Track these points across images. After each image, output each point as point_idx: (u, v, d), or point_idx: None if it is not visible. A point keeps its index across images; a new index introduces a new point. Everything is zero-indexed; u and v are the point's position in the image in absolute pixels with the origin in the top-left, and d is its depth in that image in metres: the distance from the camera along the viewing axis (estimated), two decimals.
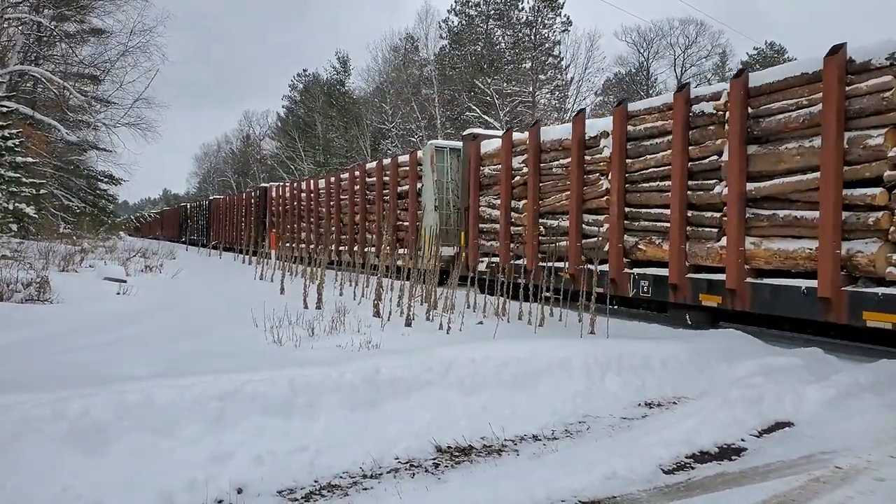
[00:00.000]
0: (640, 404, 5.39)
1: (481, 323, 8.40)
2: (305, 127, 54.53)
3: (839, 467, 3.91)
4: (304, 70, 62.89)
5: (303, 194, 22.96)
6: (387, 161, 17.23)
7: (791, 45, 52.54)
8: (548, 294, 9.94)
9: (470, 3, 45.31)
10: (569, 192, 10.54)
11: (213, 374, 4.20)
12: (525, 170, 11.59)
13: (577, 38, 55.67)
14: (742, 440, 4.47)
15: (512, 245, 11.94)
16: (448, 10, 45.96)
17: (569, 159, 10.56)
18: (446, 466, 3.92)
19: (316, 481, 3.62)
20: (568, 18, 43.66)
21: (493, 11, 44.71)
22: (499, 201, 12.36)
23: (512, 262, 11.64)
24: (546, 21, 43.72)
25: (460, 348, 5.45)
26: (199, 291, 11.48)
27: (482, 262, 12.61)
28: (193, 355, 5.54)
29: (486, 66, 40.17)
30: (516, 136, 12.11)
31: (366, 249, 17.06)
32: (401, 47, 47.88)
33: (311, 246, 20.92)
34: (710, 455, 4.19)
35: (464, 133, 14.43)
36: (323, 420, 4.12)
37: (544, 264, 10.44)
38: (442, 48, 45.91)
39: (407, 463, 3.94)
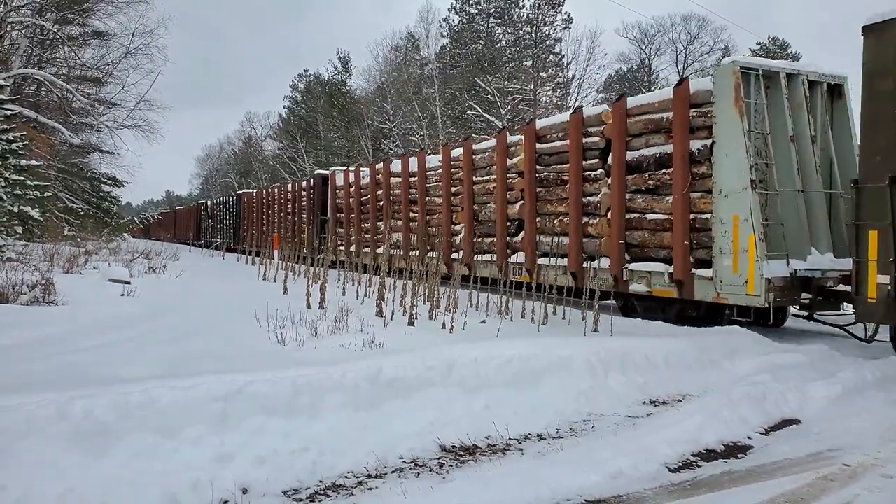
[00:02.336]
0: (644, 402, 5.37)
1: (484, 322, 8.38)
2: (307, 127, 54.53)
3: (847, 465, 3.89)
4: (305, 70, 62.97)
5: (395, 179, 16.79)
6: (594, 110, 10.65)
7: (794, 40, 52.37)
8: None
9: (470, 2, 45.26)
10: None
11: (216, 374, 4.19)
12: None
13: (578, 35, 55.77)
14: (748, 438, 4.45)
15: None
16: (449, 9, 45.92)
17: None
18: (451, 466, 3.90)
19: (320, 481, 3.61)
20: (569, 16, 43.59)
21: (493, 9, 44.66)
22: None
23: None
24: (547, 18, 43.65)
25: (463, 347, 5.44)
26: (202, 292, 11.48)
27: None
28: (196, 356, 5.54)
29: (486, 65, 40.11)
30: None
31: (540, 261, 11.30)
32: (402, 46, 47.89)
33: (414, 252, 14.91)
34: (717, 453, 4.17)
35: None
36: (326, 420, 4.11)
37: None
38: (443, 47, 45.89)
39: (411, 462, 3.93)
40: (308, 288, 9.37)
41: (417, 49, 47.08)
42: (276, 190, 28.02)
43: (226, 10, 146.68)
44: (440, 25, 45.63)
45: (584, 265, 10.41)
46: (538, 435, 4.49)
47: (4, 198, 14.32)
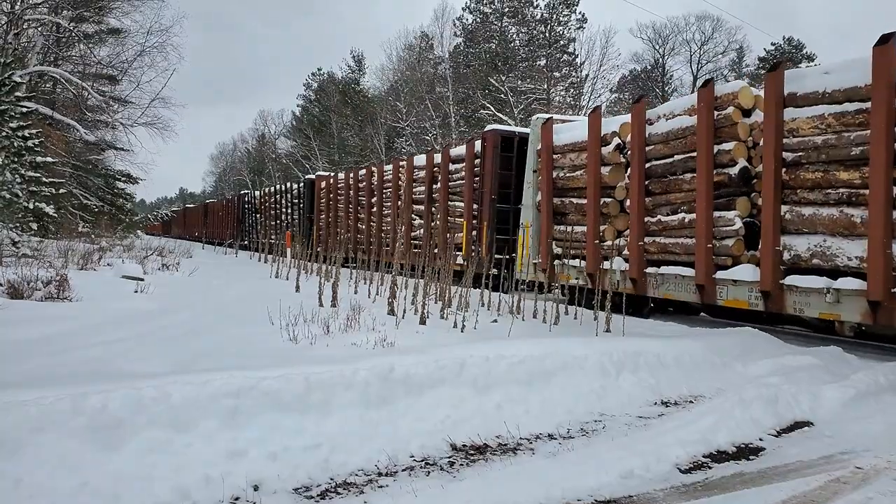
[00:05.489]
0: (655, 403, 5.36)
1: (496, 321, 8.38)
2: (320, 126, 54.75)
3: (859, 467, 3.86)
4: (319, 69, 63.16)
5: (806, 113, 7.46)
6: None
7: (810, 41, 51.93)
8: None
9: (484, 1, 45.26)
10: None
11: (228, 371, 4.22)
12: None
13: (591, 34, 55.41)
14: (760, 440, 4.42)
15: None
16: (463, 8, 45.99)
17: None
18: (462, 465, 3.91)
19: (331, 479, 3.62)
20: (583, 15, 43.55)
21: (507, 9, 44.64)
22: None
23: None
24: (561, 18, 43.60)
25: (474, 347, 5.44)
26: (215, 289, 11.55)
27: None
28: (210, 352, 5.58)
29: (500, 64, 40.10)
30: None
31: None
32: (415, 45, 47.95)
33: None
34: (728, 454, 4.15)
35: None
36: (337, 418, 4.13)
37: None
38: (456, 46, 45.92)
39: (422, 461, 3.93)
40: (320, 286, 9.40)
41: (431, 48, 47.14)
42: (384, 169, 19.03)
43: (238, 7, 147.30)
44: (454, 24, 45.68)
45: None
46: (549, 435, 4.49)
47: (20, 194, 14.47)
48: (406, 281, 9.90)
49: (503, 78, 37.87)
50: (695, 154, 8.76)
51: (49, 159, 18.23)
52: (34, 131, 16.80)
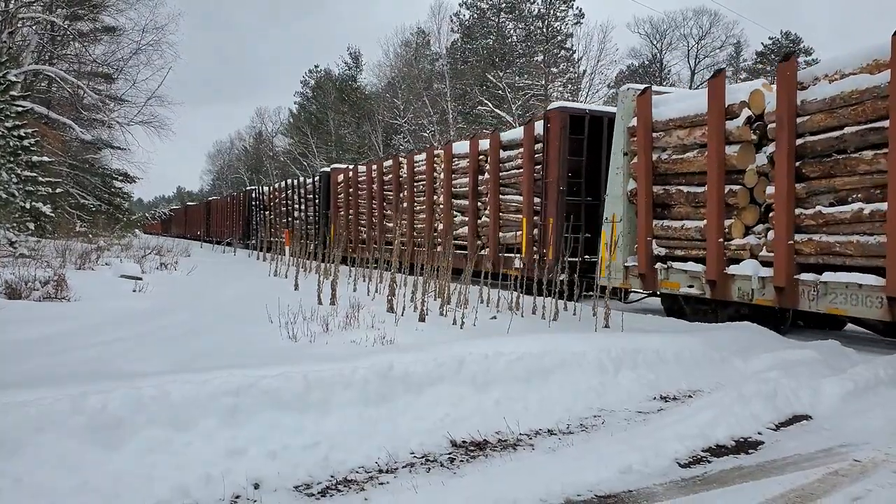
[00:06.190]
0: (654, 398, 5.36)
1: (495, 318, 8.39)
2: (318, 123, 54.63)
3: (858, 461, 3.87)
4: (316, 66, 63.00)
5: None
6: None
7: (808, 36, 51.90)
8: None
9: None
10: None
11: (228, 369, 4.22)
12: None
13: (589, 30, 54.95)
14: (759, 433, 4.44)
15: None
16: (459, 4, 45.87)
17: None
18: (462, 461, 3.91)
19: (332, 476, 3.62)
20: (580, 10, 43.47)
21: (504, 4, 44.53)
22: None
23: None
24: (558, 13, 43.53)
25: (473, 343, 5.44)
26: (213, 288, 11.54)
27: None
28: (209, 352, 5.58)
29: (497, 60, 40.05)
30: None
31: None
32: (412, 42, 47.87)
33: None
34: (727, 448, 4.16)
35: None
36: (337, 415, 4.13)
37: None
38: (453, 42, 45.82)
39: (422, 457, 3.94)
40: (319, 284, 9.39)
41: (428, 44, 47.06)
42: (414, 159, 16.46)
43: (237, 6, 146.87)
44: (451, 20, 45.57)
45: None
46: (549, 430, 4.50)
47: (17, 194, 14.46)
48: (405, 278, 9.90)
49: (501, 74, 37.83)
50: (882, 124, 6.61)
51: (45, 159, 18.20)
52: (30, 130, 16.78)
